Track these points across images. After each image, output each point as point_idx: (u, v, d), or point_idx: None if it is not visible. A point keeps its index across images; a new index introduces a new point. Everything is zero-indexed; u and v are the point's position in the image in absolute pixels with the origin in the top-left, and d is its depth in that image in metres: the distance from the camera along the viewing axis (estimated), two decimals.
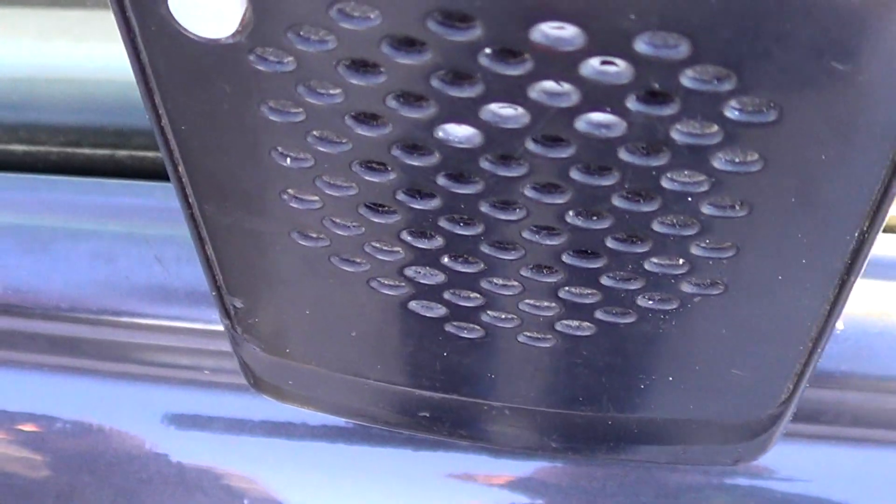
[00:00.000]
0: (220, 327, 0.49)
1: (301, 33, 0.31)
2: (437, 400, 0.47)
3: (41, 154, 0.65)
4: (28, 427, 0.63)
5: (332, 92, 0.33)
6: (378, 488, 0.61)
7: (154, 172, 0.63)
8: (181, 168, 0.38)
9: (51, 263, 0.60)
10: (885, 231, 0.59)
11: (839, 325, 0.56)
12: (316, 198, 0.37)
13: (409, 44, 0.30)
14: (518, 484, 0.59)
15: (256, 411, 0.61)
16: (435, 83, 0.31)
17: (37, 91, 0.66)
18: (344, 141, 0.34)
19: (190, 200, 0.40)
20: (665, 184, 0.33)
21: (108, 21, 0.34)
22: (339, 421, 0.60)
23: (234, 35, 0.31)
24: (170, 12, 0.31)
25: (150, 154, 0.64)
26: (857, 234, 0.35)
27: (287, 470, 0.62)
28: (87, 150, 0.65)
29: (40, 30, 0.67)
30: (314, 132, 0.34)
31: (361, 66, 0.32)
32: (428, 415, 0.48)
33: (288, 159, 0.36)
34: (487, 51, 0.30)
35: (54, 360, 0.63)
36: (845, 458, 0.59)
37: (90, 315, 0.60)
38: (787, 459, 0.59)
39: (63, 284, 0.60)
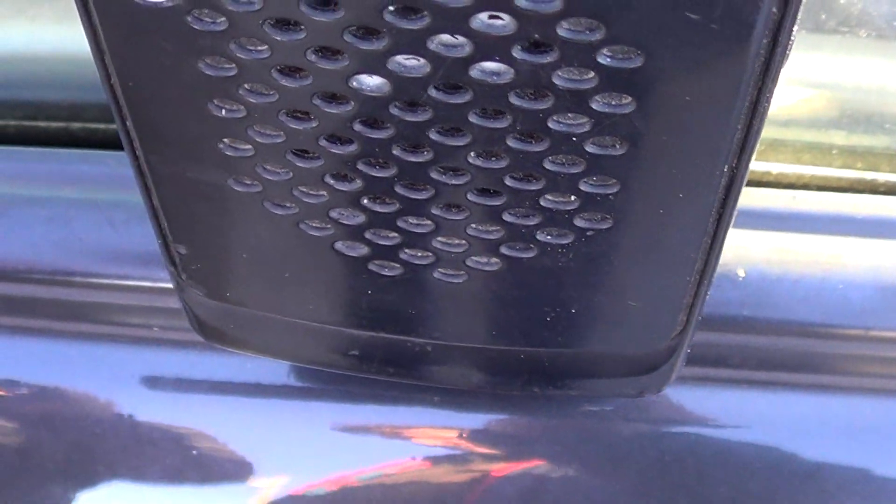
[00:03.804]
0: (169, 285, 0.52)
1: None
2: (365, 338, 0.51)
3: None
4: None
5: (259, 48, 0.37)
6: (318, 442, 0.65)
7: (105, 143, 0.67)
8: (129, 122, 0.43)
9: (9, 227, 0.63)
10: (774, 186, 0.64)
11: (741, 272, 0.60)
12: (248, 146, 0.42)
13: (324, 3, 0.35)
14: (451, 433, 0.63)
15: (205, 367, 0.64)
16: (348, 38, 0.36)
17: None
18: (271, 92, 0.39)
19: (137, 153, 0.44)
20: (552, 125, 0.38)
21: (61, 2, 0.38)
22: (283, 377, 0.64)
23: None
24: None
25: (102, 126, 0.68)
26: (726, 170, 0.40)
27: (233, 423, 0.65)
28: (42, 123, 0.69)
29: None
30: (245, 85, 0.39)
31: (284, 23, 0.36)
32: (357, 353, 0.52)
33: (223, 110, 0.40)
34: (391, 8, 0.35)
35: (10, 321, 0.66)
36: (752, 400, 0.63)
37: (45, 276, 0.64)
38: (698, 403, 0.63)
39: (21, 247, 0.64)
